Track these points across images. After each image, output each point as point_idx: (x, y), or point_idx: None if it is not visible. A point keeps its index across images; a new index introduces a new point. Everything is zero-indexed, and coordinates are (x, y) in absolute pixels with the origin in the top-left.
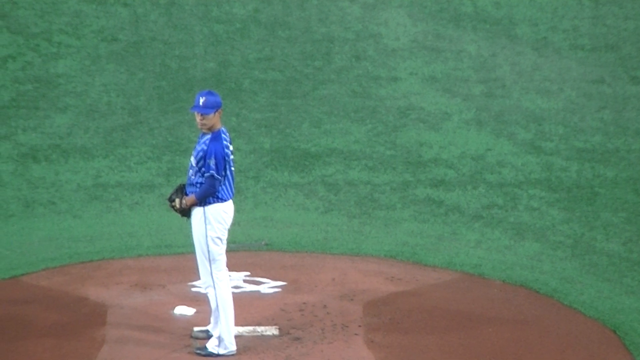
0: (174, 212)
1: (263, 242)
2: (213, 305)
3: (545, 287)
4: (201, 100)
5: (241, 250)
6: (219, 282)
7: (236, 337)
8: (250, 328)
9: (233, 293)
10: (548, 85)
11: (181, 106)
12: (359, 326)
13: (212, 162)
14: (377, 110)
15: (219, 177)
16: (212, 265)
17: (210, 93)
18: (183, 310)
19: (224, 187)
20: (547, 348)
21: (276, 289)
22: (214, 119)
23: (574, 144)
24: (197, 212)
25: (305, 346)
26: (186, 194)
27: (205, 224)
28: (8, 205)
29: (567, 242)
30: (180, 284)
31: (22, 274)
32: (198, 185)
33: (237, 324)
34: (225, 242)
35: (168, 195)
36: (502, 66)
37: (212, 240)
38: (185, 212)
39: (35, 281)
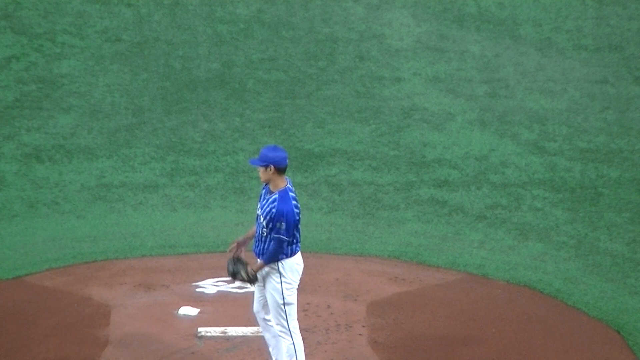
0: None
1: None
2: (281, 355)
3: (548, 287)
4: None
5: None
6: (295, 331)
7: (241, 337)
8: (255, 328)
9: (237, 293)
10: (552, 85)
11: (185, 106)
12: (363, 326)
13: (282, 226)
14: (380, 111)
15: (288, 239)
16: (288, 316)
17: (271, 148)
18: (187, 311)
19: (292, 244)
20: (550, 348)
21: None
22: (266, 174)
23: (577, 144)
24: (271, 270)
25: (309, 346)
26: (257, 253)
27: (281, 278)
28: (12, 205)
29: (570, 242)
30: (184, 284)
31: (26, 274)
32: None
33: (241, 324)
34: (296, 291)
35: (230, 271)
36: (506, 66)
37: (288, 290)
38: (254, 279)
39: (39, 281)
